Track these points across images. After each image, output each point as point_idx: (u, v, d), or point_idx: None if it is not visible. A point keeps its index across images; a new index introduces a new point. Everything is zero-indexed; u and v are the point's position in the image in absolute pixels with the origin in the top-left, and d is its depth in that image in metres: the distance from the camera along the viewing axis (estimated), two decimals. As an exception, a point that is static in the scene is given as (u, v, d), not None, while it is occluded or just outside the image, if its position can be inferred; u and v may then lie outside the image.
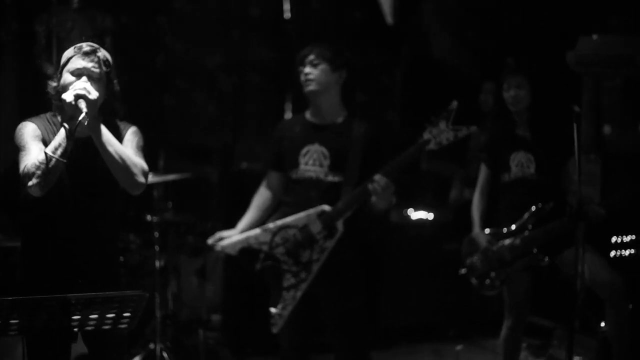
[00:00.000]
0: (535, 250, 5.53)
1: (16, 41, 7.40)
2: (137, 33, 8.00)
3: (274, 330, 5.28)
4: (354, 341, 5.26)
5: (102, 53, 4.07)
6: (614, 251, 6.31)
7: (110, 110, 4.12)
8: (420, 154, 5.10)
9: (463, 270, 5.81)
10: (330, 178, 5.19)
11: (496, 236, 5.66)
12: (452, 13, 9.09)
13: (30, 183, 3.85)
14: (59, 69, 4.08)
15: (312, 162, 5.22)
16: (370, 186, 4.98)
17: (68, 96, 3.88)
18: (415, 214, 7.86)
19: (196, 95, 8.49)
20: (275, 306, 5.25)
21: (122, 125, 4.18)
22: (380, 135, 5.34)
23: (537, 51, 7.56)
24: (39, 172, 3.84)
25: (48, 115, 4.15)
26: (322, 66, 5.23)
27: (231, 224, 7.31)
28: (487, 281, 5.68)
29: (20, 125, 4.10)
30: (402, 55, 9.11)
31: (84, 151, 4.00)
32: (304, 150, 5.25)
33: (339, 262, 5.17)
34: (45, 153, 3.85)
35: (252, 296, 7.01)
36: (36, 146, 3.97)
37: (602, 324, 6.05)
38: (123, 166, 3.96)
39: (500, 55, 7.82)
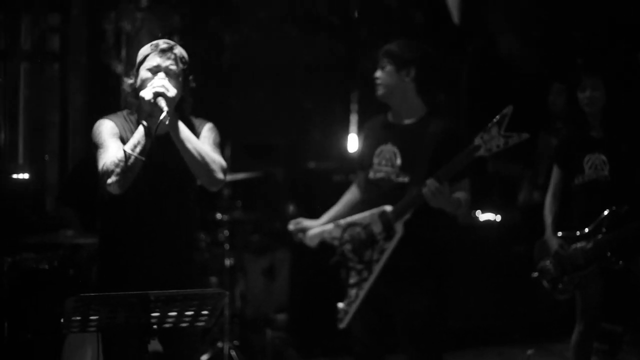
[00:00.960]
0: (609, 254, 5.45)
1: (85, 39, 7.46)
2: (202, 31, 8.03)
3: (340, 325, 5.26)
4: (423, 344, 5.18)
5: (179, 50, 4.07)
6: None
7: (186, 107, 4.13)
8: (471, 159, 4.98)
9: (535, 274, 5.73)
10: (401, 179, 5.12)
11: (569, 239, 5.57)
12: (519, 12, 9.01)
13: (109, 181, 3.86)
14: (136, 66, 4.09)
15: (384, 162, 5.18)
16: (423, 190, 4.91)
17: (147, 94, 3.89)
18: (483, 216, 7.80)
19: (262, 93, 8.50)
20: (342, 301, 5.25)
21: (197, 122, 4.19)
22: (458, 133, 5.23)
23: (607, 51, 7.47)
24: (118, 169, 3.85)
25: (124, 112, 4.16)
26: (388, 68, 5.17)
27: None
28: (560, 285, 5.60)
29: (97, 123, 4.09)
30: (469, 55, 9.05)
31: (161, 148, 4.00)
32: (377, 150, 5.21)
33: (403, 264, 5.10)
34: (124, 151, 3.86)
35: (319, 296, 7.01)
36: (114, 144, 3.97)
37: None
38: (202, 162, 3.96)
39: (569, 55, 7.76)
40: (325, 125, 8.33)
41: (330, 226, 5.36)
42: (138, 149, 3.86)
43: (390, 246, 5.07)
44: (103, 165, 3.90)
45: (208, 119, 4.30)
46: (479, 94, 8.85)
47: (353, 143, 8.26)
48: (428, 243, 5.17)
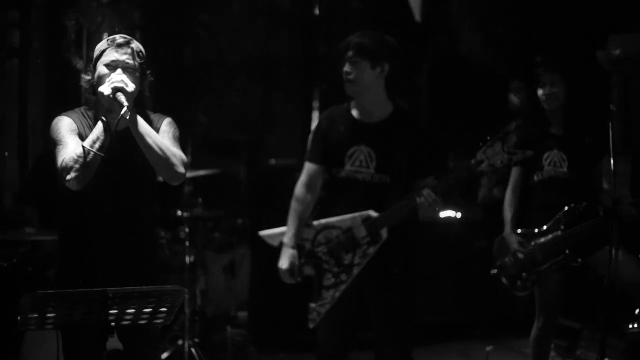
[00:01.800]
0: (567, 251, 5.49)
1: (46, 36, 7.41)
2: (164, 28, 8.00)
3: (311, 325, 5.22)
4: (401, 340, 5.17)
5: (136, 44, 4.05)
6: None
7: (145, 101, 4.12)
8: (472, 173, 4.93)
9: (494, 271, 5.77)
10: (377, 179, 5.06)
11: (528, 237, 5.61)
12: (480, 10, 9.04)
13: (68, 177, 3.83)
14: (93, 61, 4.07)
15: (358, 163, 5.08)
16: (418, 199, 4.85)
17: (105, 89, 3.87)
18: (444, 213, 7.82)
19: (223, 90, 8.49)
20: (315, 302, 5.19)
21: (155, 117, 4.17)
22: (427, 132, 5.22)
23: (566, 49, 7.52)
24: (77, 165, 3.82)
25: (82, 109, 4.13)
26: (362, 64, 5.05)
27: (259, 220, 7.34)
28: (519, 282, 5.64)
29: (55, 120, 4.06)
30: (430, 53, 9.07)
31: (120, 144, 3.97)
32: (350, 151, 5.10)
33: (381, 264, 5.06)
34: (83, 147, 3.84)
35: (279, 293, 7.00)
36: (73, 140, 3.94)
37: (630, 326, 6.01)
38: (163, 157, 3.94)
39: (529, 53, 7.80)
40: (286, 122, 8.32)
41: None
42: (97, 145, 3.83)
43: (374, 251, 5.03)
44: (62, 162, 3.86)
45: (169, 114, 4.27)
46: (440, 91, 8.89)
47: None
48: (406, 246, 5.16)
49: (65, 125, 4.01)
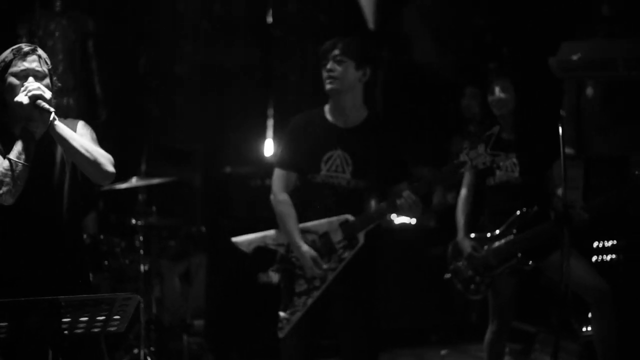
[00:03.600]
0: (519, 255, 5.53)
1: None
2: (118, 36, 7.98)
3: (280, 334, 5.10)
4: (369, 345, 5.14)
5: (41, 51, 4.00)
6: (595, 256, 6.35)
7: (55, 107, 4.00)
8: (455, 175, 4.97)
9: (448, 275, 5.80)
10: (353, 185, 5.01)
11: (481, 241, 5.65)
12: (433, 18, 9.11)
13: (0, 192, 3.77)
14: None
15: (334, 168, 5.02)
16: (398, 201, 4.84)
17: (23, 98, 3.80)
18: (398, 219, 7.84)
19: (178, 98, 8.47)
20: (284, 310, 5.08)
21: (67, 121, 4.05)
22: (399, 136, 5.18)
23: (519, 56, 7.60)
24: (7, 179, 3.78)
25: None
26: (347, 63, 5.00)
27: (215, 228, 7.34)
28: (472, 286, 5.68)
29: None
30: (384, 60, 9.12)
31: (41, 150, 3.91)
32: (326, 156, 5.03)
33: (352, 270, 5.01)
34: (10, 160, 3.79)
35: (236, 301, 7.02)
36: None
37: (584, 329, 6.07)
38: (91, 158, 3.87)
39: (483, 60, 7.87)
40: (241, 130, 8.32)
41: (272, 232, 5.18)
42: (24, 156, 3.80)
43: (350, 255, 4.98)
44: None
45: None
46: (394, 98, 8.93)
47: (269, 148, 8.27)
48: (376, 250, 5.14)
49: None
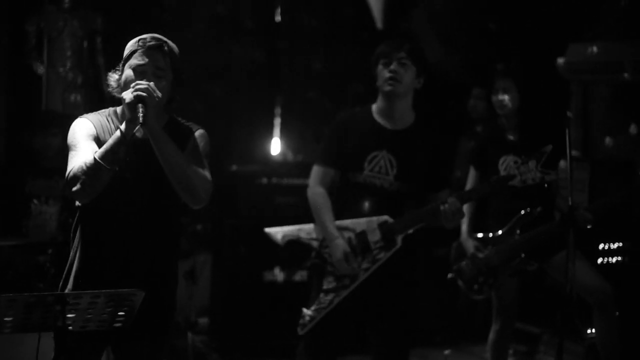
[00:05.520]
0: (523, 255, 5.53)
1: (7, 41, 7.38)
2: (126, 33, 7.97)
3: (301, 331, 4.99)
4: (404, 347, 5.12)
5: (169, 46, 3.74)
6: (600, 258, 6.34)
7: (176, 107, 3.84)
8: (503, 187, 4.92)
9: (451, 275, 5.80)
10: (395, 187, 4.95)
11: (484, 241, 5.65)
12: (441, 18, 9.10)
13: (74, 188, 3.55)
14: (122, 61, 3.74)
15: (378, 169, 4.95)
16: (442, 207, 4.79)
17: (127, 95, 3.55)
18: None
19: (185, 96, 8.46)
20: (309, 307, 4.97)
21: (187, 126, 3.85)
22: (448, 144, 5.17)
23: (527, 57, 7.59)
24: (84, 177, 3.52)
25: (110, 111, 3.80)
26: (411, 68, 4.94)
27: (220, 227, 7.34)
28: (476, 286, 5.67)
29: (75, 121, 3.74)
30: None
31: (145, 152, 3.65)
32: (370, 156, 4.96)
33: (388, 272, 4.93)
34: (95, 158, 3.53)
35: (240, 299, 7.02)
36: (88, 146, 3.62)
37: (589, 330, 6.07)
38: (184, 178, 3.62)
39: (491, 61, 7.87)
40: (248, 128, 8.32)
41: (310, 225, 5.07)
42: (109, 158, 3.51)
43: (386, 257, 4.90)
44: (70, 171, 3.57)
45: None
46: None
47: (276, 146, 8.28)
48: (416, 256, 5.10)
49: (82, 129, 3.69)
